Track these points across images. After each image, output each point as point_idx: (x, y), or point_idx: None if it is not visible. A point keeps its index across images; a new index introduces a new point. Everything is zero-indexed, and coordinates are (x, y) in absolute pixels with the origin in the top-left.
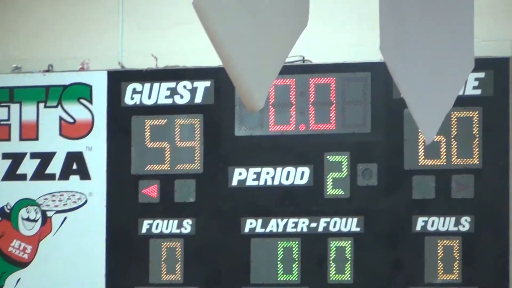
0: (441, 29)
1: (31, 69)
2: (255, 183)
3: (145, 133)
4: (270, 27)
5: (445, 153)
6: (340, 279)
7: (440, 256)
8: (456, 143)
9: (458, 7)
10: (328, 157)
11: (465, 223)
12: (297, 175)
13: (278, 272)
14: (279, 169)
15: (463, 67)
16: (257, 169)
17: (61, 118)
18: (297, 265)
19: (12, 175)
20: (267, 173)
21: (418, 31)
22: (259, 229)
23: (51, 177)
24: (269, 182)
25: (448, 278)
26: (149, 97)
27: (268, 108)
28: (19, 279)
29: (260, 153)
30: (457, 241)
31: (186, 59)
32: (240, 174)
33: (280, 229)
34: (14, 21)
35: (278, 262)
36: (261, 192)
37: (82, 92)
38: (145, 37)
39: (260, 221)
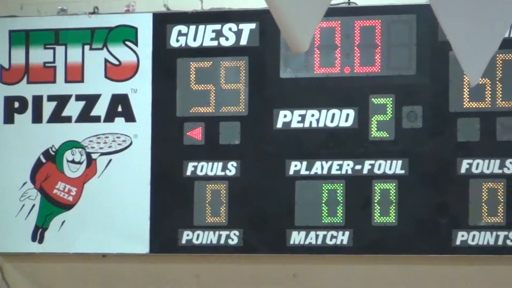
0: None
1: (76, 11)
2: (300, 125)
3: (190, 76)
4: None
5: (489, 95)
6: (384, 221)
7: (485, 199)
8: (501, 85)
9: None
10: (373, 99)
11: (510, 166)
12: (342, 117)
13: (323, 215)
14: (324, 111)
15: (509, 9)
16: (302, 111)
17: (106, 60)
18: (341, 208)
19: (57, 117)
20: (312, 115)
21: None
22: (303, 172)
23: (96, 119)
24: (314, 124)
25: (492, 221)
26: (194, 39)
27: (313, 51)
28: (63, 221)
29: (305, 95)
30: (502, 183)
31: (232, 1)
32: (285, 116)
33: (325, 172)
34: None
35: (323, 205)
36: (306, 134)
37: (128, 34)
38: None
39: (304, 163)
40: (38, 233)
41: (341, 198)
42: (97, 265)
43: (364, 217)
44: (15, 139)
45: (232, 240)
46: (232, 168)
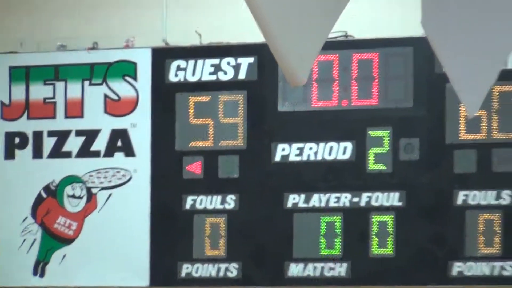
0: (484, 2)
1: (76, 47)
2: (298, 158)
3: (189, 110)
4: (313, 3)
5: (486, 127)
6: (382, 253)
7: (481, 230)
8: (497, 117)
9: None
10: (370, 132)
11: (506, 197)
12: (340, 150)
13: (321, 247)
14: (321, 144)
15: (506, 42)
16: (300, 145)
17: (105, 96)
18: (339, 240)
19: (57, 152)
20: (310, 148)
21: (460, 5)
22: (301, 204)
23: (96, 154)
24: (312, 158)
25: (488, 252)
26: (193, 73)
27: (311, 84)
28: (64, 255)
29: (303, 129)
30: (498, 214)
31: (230, 36)
32: (283, 149)
33: (323, 204)
34: (59, 0)
35: (321, 237)
36: (304, 168)
37: (127, 70)
38: (189, 14)
39: (303, 196)
40: (40, 267)
41: (339, 230)
42: None
43: (362, 248)
44: (16, 174)
45: (231, 272)
46: (231, 201)
